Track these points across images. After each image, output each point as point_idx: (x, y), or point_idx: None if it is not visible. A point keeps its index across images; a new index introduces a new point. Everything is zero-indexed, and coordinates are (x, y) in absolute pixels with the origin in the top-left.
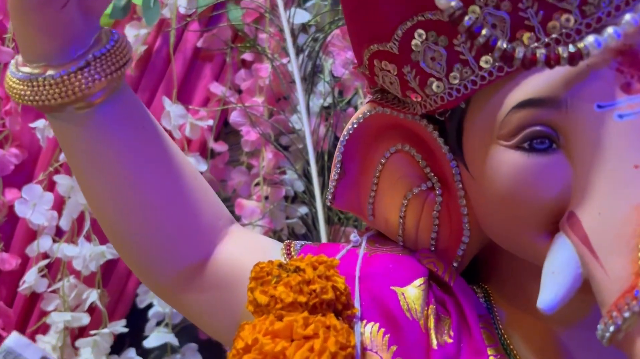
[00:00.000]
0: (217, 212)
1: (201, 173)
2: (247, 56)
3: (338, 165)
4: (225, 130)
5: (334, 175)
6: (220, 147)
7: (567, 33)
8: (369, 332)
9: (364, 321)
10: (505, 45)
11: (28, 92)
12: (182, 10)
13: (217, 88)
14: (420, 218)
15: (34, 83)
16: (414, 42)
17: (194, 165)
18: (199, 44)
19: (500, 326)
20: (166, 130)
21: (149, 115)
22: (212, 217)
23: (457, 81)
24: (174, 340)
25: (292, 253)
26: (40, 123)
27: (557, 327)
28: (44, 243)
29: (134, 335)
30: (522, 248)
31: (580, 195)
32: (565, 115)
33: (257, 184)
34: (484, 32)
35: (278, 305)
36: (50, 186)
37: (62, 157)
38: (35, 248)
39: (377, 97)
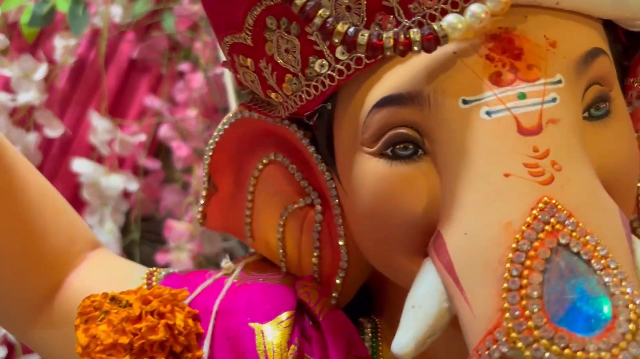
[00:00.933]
0: (72, 236)
1: (133, 192)
2: (185, 67)
3: (206, 179)
4: (164, 146)
5: (202, 191)
6: (153, 164)
7: (431, 14)
8: None
9: None
10: (345, 29)
11: None
12: (116, 20)
13: (153, 102)
14: (301, 240)
15: None
16: (266, 31)
17: (54, 194)
18: (134, 55)
19: None
20: (92, 146)
21: None
22: (63, 242)
23: (313, 76)
24: None
25: (154, 283)
26: None
27: None
28: None
29: None
30: (396, 273)
31: (447, 211)
32: (429, 113)
33: (190, 203)
34: (320, 12)
35: (98, 347)
36: None
37: None
38: None
39: (248, 99)
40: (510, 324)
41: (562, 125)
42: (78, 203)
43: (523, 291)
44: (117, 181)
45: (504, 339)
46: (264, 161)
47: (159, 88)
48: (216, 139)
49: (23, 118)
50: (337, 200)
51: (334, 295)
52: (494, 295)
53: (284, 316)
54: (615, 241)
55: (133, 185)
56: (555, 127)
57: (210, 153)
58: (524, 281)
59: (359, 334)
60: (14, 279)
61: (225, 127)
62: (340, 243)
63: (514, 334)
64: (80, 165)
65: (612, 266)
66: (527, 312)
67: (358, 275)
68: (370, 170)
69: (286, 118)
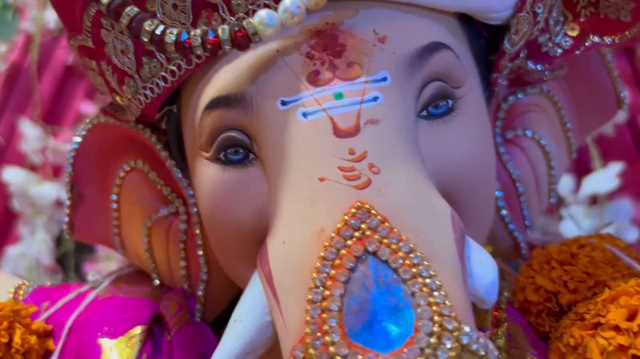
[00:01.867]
0: None
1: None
2: None
3: (69, 188)
4: None
5: (67, 200)
6: None
7: (253, 10)
8: None
9: None
10: (152, 28)
11: None
12: (50, 25)
13: (89, 108)
14: (168, 250)
15: None
16: (102, 32)
17: None
18: (70, 61)
19: None
20: (23, 155)
21: None
22: None
23: (148, 78)
24: None
25: (20, 297)
26: None
27: None
28: None
29: None
30: (243, 283)
31: (272, 219)
32: (252, 115)
33: None
34: (127, 10)
35: None
36: None
37: None
38: None
39: (107, 105)
40: (309, 340)
41: (383, 126)
42: (10, 214)
43: (324, 304)
44: (50, 190)
45: (302, 356)
46: (126, 168)
47: (96, 95)
48: (76, 146)
49: None
50: (195, 209)
51: (198, 307)
52: (303, 307)
53: (138, 330)
54: (438, 247)
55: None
56: (376, 128)
57: (71, 161)
58: (327, 293)
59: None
60: None
61: (83, 132)
62: (199, 252)
63: (311, 351)
64: (11, 174)
65: (423, 274)
66: (325, 326)
67: (224, 286)
68: (207, 176)
69: (140, 122)
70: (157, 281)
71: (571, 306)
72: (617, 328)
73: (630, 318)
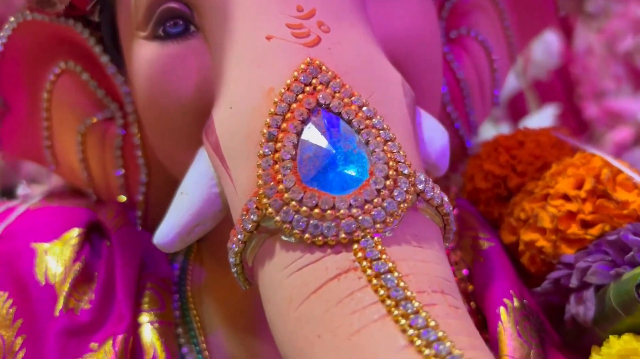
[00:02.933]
0: None
1: None
2: None
3: None
4: None
5: None
6: None
7: None
8: None
9: None
10: None
11: None
12: None
13: None
14: (104, 157)
15: None
16: None
17: None
18: None
19: (188, 288)
20: None
21: None
22: None
23: None
24: None
25: None
26: None
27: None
28: None
29: None
30: (183, 171)
31: (217, 89)
32: None
33: None
34: None
35: None
36: None
37: None
38: None
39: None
40: (262, 191)
41: None
42: None
43: (277, 155)
44: None
45: (255, 207)
46: (56, 71)
47: None
48: (0, 47)
49: None
50: (131, 108)
51: (138, 214)
52: (254, 167)
53: (74, 233)
54: (389, 106)
55: None
56: None
57: None
58: (279, 145)
59: (161, 252)
60: None
61: (8, 33)
62: (138, 153)
63: (264, 200)
64: None
65: (377, 126)
66: (279, 176)
67: (166, 189)
68: (145, 56)
69: (71, 17)
70: (94, 196)
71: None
72: (565, 197)
73: (578, 186)
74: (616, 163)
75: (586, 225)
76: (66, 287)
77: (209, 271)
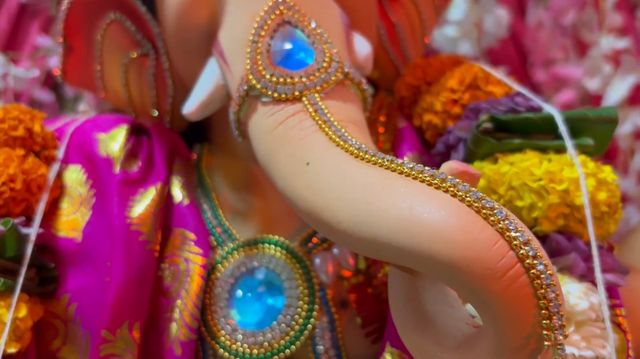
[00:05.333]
0: None
1: None
2: None
3: (62, 40)
4: (58, 83)
5: (61, 51)
6: (45, 96)
7: None
8: (72, 174)
9: (68, 164)
10: None
11: None
12: None
13: (44, 41)
14: (141, 83)
15: None
16: None
17: None
18: (23, 0)
19: (204, 166)
20: None
21: None
22: None
23: None
24: None
25: None
26: None
27: (250, 163)
28: None
29: None
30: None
31: (220, 18)
32: None
33: None
34: None
35: None
36: None
37: None
38: None
39: None
40: (249, 74)
41: None
42: None
43: (258, 50)
44: None
45: (245, 82)
46: (107, 20)
47: (50, 29)
48: (67, 5)
49: None
50: (162, 44)
51: (166, 119)
52: (243, 60)
53: (123, 127)
54: (331, 25)
55: None
56: None
57: (64, 18)
58: (259, 45)
59: (183, 142)
60: None
61: None
62: (167, 75)
63: (250, 76)
64: None
65: (320, 34)
66: (259, 62)
67: (184, 100)
68: (171, 1)
69: None
70: (133, 114)
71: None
72: (451, 90)
73: (460, 83)
74: (491, 70)
75: (464, 107)
76: (121, 157)
77: (216, 156)
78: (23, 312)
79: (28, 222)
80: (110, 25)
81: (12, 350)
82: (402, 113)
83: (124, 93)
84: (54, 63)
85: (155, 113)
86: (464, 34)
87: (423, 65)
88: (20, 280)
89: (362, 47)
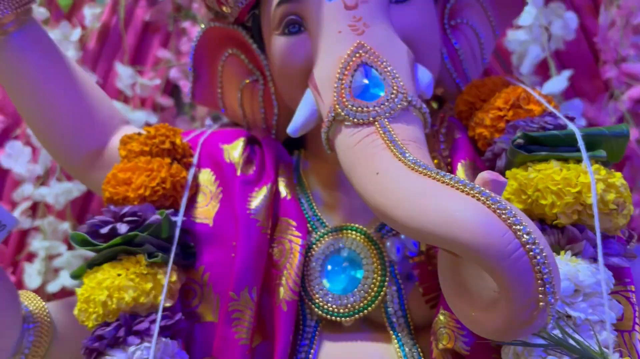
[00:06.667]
0: (112, 115)
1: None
2: (187, 24)
3: (190, 69)
4: (175, 91)
5: (190, 77)
6: (166, 101)
7: None
8: (204, 176)
9: (201, 168)
10: None
11: None
12: None
13: (164, 54)
14: (252, 103)
15: None
16: None
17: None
18: (147, 18)
19: (301, 169)
20: (119, 90)
21: (53, 43)
22: (107, 117)
23: None
24: None
25: None
26: None
27: (337, 167)
28: (26, 188)
29: None
30: (296, 103)
31: (314, 59)
32: (305, 5)
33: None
34: None
35: (131, 154)
36: (28, 143)
37: None
38: (20, 193)
39: (213, 16)
40: (336, 104)
41: (371, 4)
42: None
43: (342, 86)
44: (141, 116)
45: (333, 111)
46: (226, 54)
47: (168, 43)
48: (195, 42)
49: None
50: (269, 73)
51: (273, 131)
52: (331, 93)
53: (241, 139)
54: (398, 63)
55: (153, 119)
56: (366, 5)
57: (193, 52)
58: (343, 81)
59: (285, 150)
60: (78, 138)
61: (200, 34)
62: (273, 98)
63: (337, 106)
64: None
65: (390, 70)
66: (343, 94)
67: (287, 118)
68: (278, 44)
69: (235, 23)
70: (246, 127)
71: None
72: (498, 108)
73: (506, 102)
74: (531, 91)
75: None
76: (240, 163)
77: (311, 163)
78: (174, 278)
79: (175, 213)
80: (228, 58)
81: (167, 304)
82: (461, 125)
83: (239, 111)
84: (174, 74)
85: (263, 124)
86: (534, 37)
87: (478, 85)
88: (172, 255)
89: (424, 76)
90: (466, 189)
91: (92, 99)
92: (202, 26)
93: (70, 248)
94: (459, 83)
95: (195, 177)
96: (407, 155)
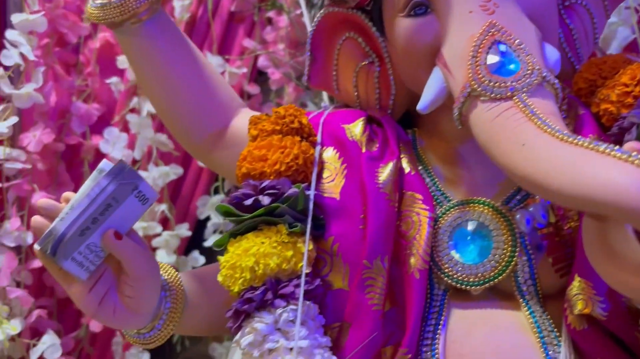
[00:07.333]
0: (232, 98)
1: None
2: (272, 14)
3: (308, 54)
4: (260, 79)
5: (307, 61)
6: (253, 89)
7: None
8: (328, 153)
9: (324, 147)
10: None
11: (101, 14)
12: None
13: (249, 43)
14: (367, 85)
15: (105, 7)
16: None
17: None
18: (232, 8)
19: (419, 147)
20: None
21: (179, 31)
22: (228, 100)
23: None
24: None
25: None
26: (114, 79)
27: (455, 143)
28: None
29: (197, 240)
30: (419, 85)
31: (443, 38)
32: None
33: None
34: None
35: (263, 133)
36: (125, 129)
37: (132, 103)
38: None
39: (331, 1)
40: (472, 81)
41: None
42: None
43: (477, 63)
44: None
45: (468, 87)
46: (343, 38)
47: (253, 33)
48: (314, 27)
49: None
50: (387, 54)
51: (388, 112)
52: (464, 69)
53: (360, 120)
54: (528, 39)
55: None
56: None
57: (311, 36)
58: (478, 58)
59: (402, 129)
60: (202, 119)
61: (319, 18)
62: (390, 78)
63: (473, 82)
64: None
65: (523, 48)
66: (478, 70)
67: (402, 100)
68: (403, 25)
69: (354, 7)
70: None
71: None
72: (624, 84)
73: (632, 78)
74: None
75: (636, 98)
76: (364, 141)
77: (426, 141)
78: (311, 246)
79: (307, 187)
80: (345, 41)
81: (307, 271)
82: (580, 102)
83: (353, 92)
84: (262, 62)
85: (377, 106)
86: (623, 19)
87: (598, 63)
88: (309, 226)
89: (552, 54)
90: (623, 157)
91: (214, 82)
92: (321, 12)
93: (165, 228)
94: (573, 62)
95: (320, 155)
96: (552, 126)
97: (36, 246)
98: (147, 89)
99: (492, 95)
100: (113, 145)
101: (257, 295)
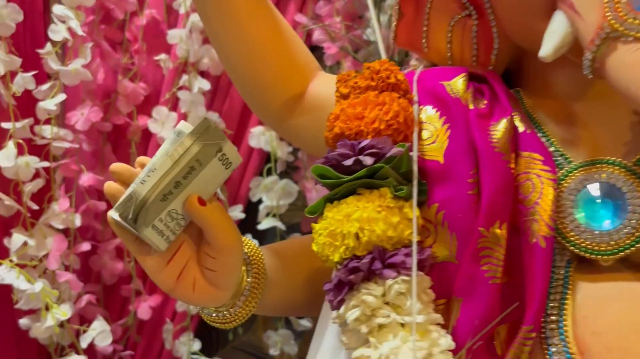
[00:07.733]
0: (309, 60)
1: None
2: None
3: (396, 8)
4: (315, 54)
5: (394, 18)
6: None
7: None
8: (427, 112)
9: (422, 106)
10: None
11: None
12: None
13: (301, 18)
14: (463, 40)
15: None
16: None
17: None
18: None
19: (525, 102)
20: None
21: None
22: (305, 62)
23: None
24: (280, 225)
25: None
26: (162, 56)
27: (569, 101)
28: None
29: (249, 223)
30: (533, 37)
31: None
32: None
33: None
34: None
35: (356, 90)
36: (173, 107)
37: (182, 80)
38: None
39: None
40: (612, 20)
41: None
42: None
43: (615, 0)
44: None
45: (607, 25)
46: None
47: (305, 7)
48: None
49: (205, 39)
50: (488, 5)
51: (490, 68)
52: (599, 10)
53: (461, 76)
54: None
55: None
56: None
57: None
58: None
59: (503, 87)
60: (279, 83)
61: None
62: (494, 30)
63: (613, 21)
64: None
65: None
66: (619, 8)
67: (504, 55)
68: None
69: None
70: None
71: None
72: None
73: None
74: None
75: None
76: (469, 97)
77: (533, 101)
78: (417, 212)
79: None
80: None
81: (417, 239)
82: None
83: (446, 50)
84: (317, 35)
85: (475, 64)
86: None
87: None
88: (415, 189)
89: None
90: None
91: (293, 44)
92: None
93: None
94: None
95: (417, 114)
96: None
97: (112, 213)
98: (224, 52)
99: (637, 35)
100: (162, 124)
101: (364, 263)
